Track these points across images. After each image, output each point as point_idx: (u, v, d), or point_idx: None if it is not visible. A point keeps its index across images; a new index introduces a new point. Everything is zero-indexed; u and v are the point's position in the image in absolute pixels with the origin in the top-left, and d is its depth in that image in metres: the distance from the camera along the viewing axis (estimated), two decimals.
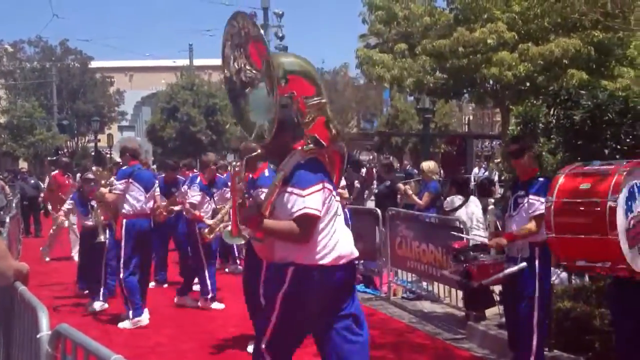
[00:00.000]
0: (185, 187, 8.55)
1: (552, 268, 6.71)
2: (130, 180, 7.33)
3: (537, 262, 5.03)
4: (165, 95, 35.31)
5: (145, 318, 7.32)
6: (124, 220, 7.32)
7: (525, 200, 5.04)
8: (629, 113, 6.67)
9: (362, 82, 40.04)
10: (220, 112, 34.17)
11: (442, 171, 27.54)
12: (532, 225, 4.97)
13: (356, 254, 3.77)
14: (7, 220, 9.57)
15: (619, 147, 6.80)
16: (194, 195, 8.05)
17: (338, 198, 3.77)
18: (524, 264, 5.06)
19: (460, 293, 7.23)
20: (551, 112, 7.54)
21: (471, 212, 8.44)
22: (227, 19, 3.66)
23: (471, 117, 48.87)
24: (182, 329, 7.20)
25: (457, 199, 8.65)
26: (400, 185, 10.38)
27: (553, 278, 6.70)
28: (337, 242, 3.63)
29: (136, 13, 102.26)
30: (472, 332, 6.67)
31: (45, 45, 43.47)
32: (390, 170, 12.90)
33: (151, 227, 7.62)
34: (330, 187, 3.67)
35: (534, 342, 4.99)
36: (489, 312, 6.67)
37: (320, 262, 3.57)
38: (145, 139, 32.18)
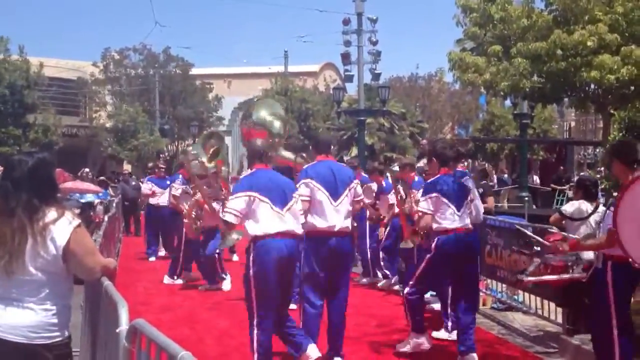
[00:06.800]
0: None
1: None
2: None
3: (608, 275, 4.68)
4: None
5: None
6: None
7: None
8: None
9: (457, 87, 39.29)
10: (313, 117, 34.48)
11: (539, 179, 26.62)
12: (602, 238, 4.63)
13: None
14: (106, 219, 10.04)
15: None
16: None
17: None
18: (584, 274, 4.96)
19: (552, 305, 6.92)
20: None
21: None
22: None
23: (573, 124, 46.96)
24: None
25: (585, 206, 7.64)
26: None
27: None
28: None
29: (232, 20, 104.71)
30: (564, 346, 6.35)
31: (149, 52, 45.21)
32: (485, 176, 12.62)
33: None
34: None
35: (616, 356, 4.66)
36: None
37: None
38: (240, 144, 32.77)
